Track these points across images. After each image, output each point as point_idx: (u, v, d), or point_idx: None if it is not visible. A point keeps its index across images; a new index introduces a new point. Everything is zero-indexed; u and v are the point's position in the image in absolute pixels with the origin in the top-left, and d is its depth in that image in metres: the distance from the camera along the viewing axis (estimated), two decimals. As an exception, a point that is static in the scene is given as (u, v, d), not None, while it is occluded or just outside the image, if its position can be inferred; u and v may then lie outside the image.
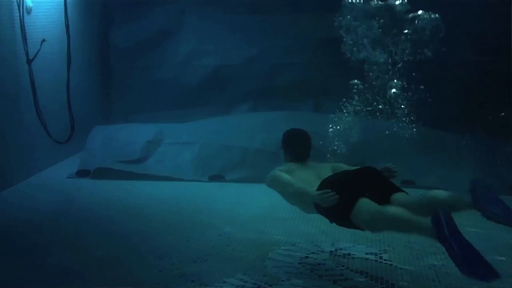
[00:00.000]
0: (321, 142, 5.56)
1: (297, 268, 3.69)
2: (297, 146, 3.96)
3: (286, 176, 3.63)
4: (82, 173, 6.07)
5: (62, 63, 6.37)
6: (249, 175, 5.89)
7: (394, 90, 6.67)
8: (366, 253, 3.92)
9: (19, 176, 5.70)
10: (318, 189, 3.39)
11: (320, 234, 4.29)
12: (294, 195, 3.60)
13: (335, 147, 6.10)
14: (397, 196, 3.28)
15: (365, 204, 3.15)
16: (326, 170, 3.73)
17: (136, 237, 4.30)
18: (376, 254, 3.90)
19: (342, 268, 3.69)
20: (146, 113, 7.38)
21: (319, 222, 4.23)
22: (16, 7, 5.56)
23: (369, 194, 3.22)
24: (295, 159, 3.93)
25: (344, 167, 3.75)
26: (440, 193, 3.08)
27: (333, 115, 6.97)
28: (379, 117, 6.64)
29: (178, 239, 4.24)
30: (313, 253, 3.96)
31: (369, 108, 6.73)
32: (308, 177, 3.63)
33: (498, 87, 6.57)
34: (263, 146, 6.08)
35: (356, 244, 4.07)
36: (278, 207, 4.66)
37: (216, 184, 5.89)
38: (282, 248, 4.04)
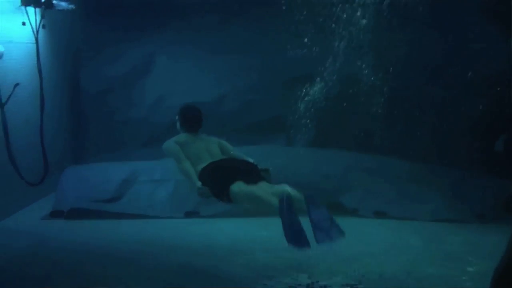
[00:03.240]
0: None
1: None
2: (189, 119, 4.79)
3: (177, 149, 4.57)
4: (56, 214, 6.02)
5: (35, 105, 6.38)
6: (224, 210, 5.94)
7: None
8: (342, 285, 3.99)
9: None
10: (201, 173, 4.40)
11: (296, 267, 4.35)
12: (181, 173, 4.56)
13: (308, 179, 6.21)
14: (261, 183, 4.30)
15: (237, 185, 4.21)
16: (214, 145, 4.72)
17: (113, 279, 4.28)
18: (352, 286, 3.98)
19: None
20: (118, 152, 7.39)
21: (295, 255, 4.29)
22: (-13, 53, 5.61)
23: (241, 179, 4.24)
24: (187, 130, 4.76)
25: (228, 146, 4.77)
26: (288, 187, 4.08)
27: (305, 149, 7.18)
28: (352, 150, 6.85)
29: (156, 278, 4.23)
30: (290, 287, 4.00)
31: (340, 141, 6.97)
32: (199, 151, 4.60)
33: (466, 118, 6.76)
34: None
35: (333, 276, 4.14)
36: (254, 241, 4.71)
37: (192, 220, 5.91)
38: (261, 283, 4.08)
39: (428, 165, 6.52)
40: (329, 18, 7.04)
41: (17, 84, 5.98)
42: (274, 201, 3.98)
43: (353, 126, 7.21)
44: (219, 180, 4.33)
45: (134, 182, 6.40)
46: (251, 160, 4.60)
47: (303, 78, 7.23)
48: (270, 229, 5.41)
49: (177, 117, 4.88)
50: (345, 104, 7.16)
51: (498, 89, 6.32)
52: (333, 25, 7.05)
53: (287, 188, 4.05)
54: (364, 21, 6.92)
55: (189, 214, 6.01)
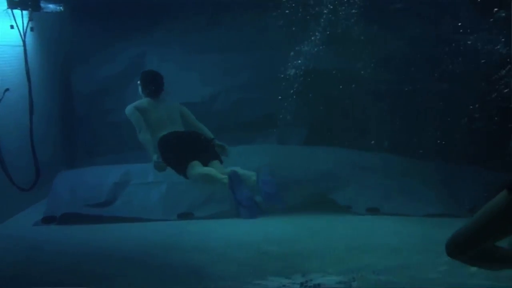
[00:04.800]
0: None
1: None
2: (150, 83, 4.94)
3: (137, 117, 4.78)
4: (48, 220, 5.98)
5: (24, 109, 6.33)
6: (218, 211, 5.94)
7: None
8: (337, 283, 3.99)
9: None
10: (160, 142, 4.66)
11: (290, 266, 4.34)
12: (141, 142, 4.74)
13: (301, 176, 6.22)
14: (214, 162, 4.66)
15: (193, 166, 4.52)
16: (175, 111, 4.94)
17: (106, 282, 4.26)
18: (346, 283, 3.98)
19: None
20: (111, 155, 7.35)
21: (289, 256, 4.29)
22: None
23: (197, 158, 4.56)
24: (148, 95, 4.92)
25: (188, 112, 5.02)
26: (239, 168, 4.46)
27: (297, 147, 7.17)
28: (344, 147, 6.85)
29: (151, 280, 4.22)
30: (284, 285, 4.00)
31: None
32: (159, 118, 4.80)
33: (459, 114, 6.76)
34: (230, 182, 6.14)
35: (326, 274, 4.13)
36: (247, 242, 4.70)
37: (185, 222, 5.89)
38: (254, 282, 4.07)
39: (419, 160, 6.54)
40: (322, 14, 7.04)
41: (7, 89, 5.93)
42: (226, 179, 4.34)
43: (345, 122, 7.21)
44: (177, 157, 4.62)
45: (127, 185, 6.37)
46: (209, 134, 4.89)
47: (294, 75, 7.21)
48: (264, 230, 5.44)
49: (138, 82, 5.04)
50: (337, 101, 7.16)
51: (494, 85, 6.32)
52: (325, 21, 7.04)
53: (237, 169, 4.47)
54: (356, 16, 6.91)
55: (183, 216, 5.99)
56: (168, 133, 4.77)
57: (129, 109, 4.88)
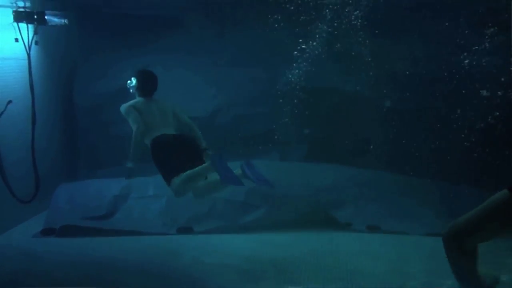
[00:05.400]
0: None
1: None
2: (144, 83, 5.14)
3: (136, 116, 4.92)
4: (48, 232, 5.97)
5: (27, 121, 6.36)
6: (217, 226, 5.92)
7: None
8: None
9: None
10: (153, 144, 4.82)
11: (289, 281, 4.32)
12: (133, 139, 4.86)
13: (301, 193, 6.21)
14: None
15: (178, 181, 4.69)
16: (168, 112, 5.10)
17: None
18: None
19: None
20: (112, 168, 7.35)
21: (289, 271, 4.27)
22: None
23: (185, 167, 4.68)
24: (142, 94, 5.12)
25: (180, 113, 5.18)
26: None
27: (298, 163, 7.18)
28: (345, 164, 6.85)
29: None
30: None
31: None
32: (153, 118, 4.96)
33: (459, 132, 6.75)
34: (231, 196, 6.12)
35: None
36: (247, 256, 4.68)
37: (185, 236, 5.88)
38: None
39: (419, 178, 6.53)
40: (325, 31, 7.10)
41: (9, 102, 5.97)
42: (207, 165, 4.63)
43: (347, 140, 7.23)
44: (167, 164, 4.79)
45: (127, 198, 6.38)
46: (201, 138, 5.09)
47: (297, 91, 7.26)
48: (264, 245, 5.42)
49: (131, 81, 5.22)
50: (338, 118, 7.19)
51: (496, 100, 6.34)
52: (329, 37, 7.11)
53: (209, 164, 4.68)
54: (360, 33, 6.98)
55: (182, 230, 5.97)
56: (161, 135, 4.88)
57: (125, 107, 5.04)
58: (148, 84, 5.19)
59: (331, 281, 4.33)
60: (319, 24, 7.07)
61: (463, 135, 6.53)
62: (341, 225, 5.93)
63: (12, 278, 4.74)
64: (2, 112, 5.83)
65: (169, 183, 4.78)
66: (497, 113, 6.27)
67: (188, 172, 4.67)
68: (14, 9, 6.04)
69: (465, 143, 6.45)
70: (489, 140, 6.24)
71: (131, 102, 5.12)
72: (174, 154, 4.83)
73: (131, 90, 5.32)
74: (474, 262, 2.55)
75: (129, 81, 5.30)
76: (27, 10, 6.13)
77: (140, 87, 5.17)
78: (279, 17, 7.09)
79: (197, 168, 4.68)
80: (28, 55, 6.29)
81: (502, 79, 6.22)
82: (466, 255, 2.53)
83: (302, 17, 7.06)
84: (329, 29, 7.08)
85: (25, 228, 6.20)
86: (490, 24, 6.34)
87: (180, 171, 4.70)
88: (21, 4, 6.06)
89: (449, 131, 6.70)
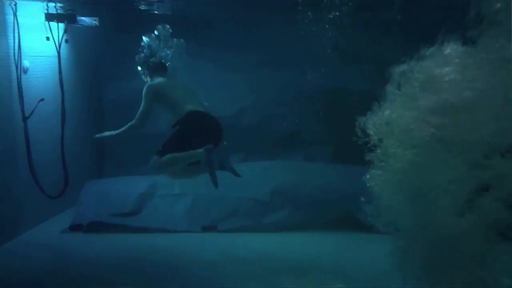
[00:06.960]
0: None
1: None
2: (160, 63, 5.17)
3: (151, 101, 4.90)
4: (76, 228, 6.08)
5: (57, 118, 6.48)
6: (242, 225, 5.95)
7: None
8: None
9: (11, 234, 5.69)
10: (187, 117, 4.75)
11: (311, 282, 4.31)
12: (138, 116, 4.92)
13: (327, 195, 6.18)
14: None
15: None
16: (188, 87, 5.13)
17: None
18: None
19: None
20: (142, 166, 7.42)
21: (312, 272, 4.26)
22: (14, 67, 5.74)
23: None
24: (161, 74, 5.13)
25: (192, 89, 5.20)
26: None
27: (322, 164, 7.14)
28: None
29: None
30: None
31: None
32: (183, 93, 4.96)
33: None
34: (255, 196, 6.16)
35: None
36: (269, 256, 4.68)
37: (210, 234, 5.92)
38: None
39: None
40: (350, 33, 7.04)
41: (41, 99, 6.09)
42: (199, 152, 4.50)
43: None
44: (182, 142, 4.70)
45: (153, 196, 6.44)
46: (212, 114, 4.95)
47: (322, 93, 7.23)
48: (286, 246, 5.42)
49: (141, 69, 5.25)
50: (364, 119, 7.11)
51: None
52: (353, 40, 7.04)
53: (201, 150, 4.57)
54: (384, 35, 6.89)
55: (207, 228, 6.01)
56: (197, 111, 4.81)
57: (150, 88, 4.94)
58: (161, 65, 5.20)
59: (355, 281, 4.31)
60: (346, 27, 7.01)
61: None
62: (364, 227, 5.88)
63: (40, 273, 4.83)
64: (33, 109, 5.95)
65: (162, 154, 4.69)
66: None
67: (183, 153, 4.59)
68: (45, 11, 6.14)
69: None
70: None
71: (155, 82, 5.07)
72: (201, 134, 4.72)
73: (147, 75, 5.31)
74: None
75: (141, 67, 5.30)
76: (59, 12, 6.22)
77: (157, 68, 5.16)
78: (309, 16, 7.04)
79: (191, 152, 4.57)
80: (58, 53, 6.40)
81: None
82: None
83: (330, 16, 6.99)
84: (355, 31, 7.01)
85: (54, 223, 6.32)
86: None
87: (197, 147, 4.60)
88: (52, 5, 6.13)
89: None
